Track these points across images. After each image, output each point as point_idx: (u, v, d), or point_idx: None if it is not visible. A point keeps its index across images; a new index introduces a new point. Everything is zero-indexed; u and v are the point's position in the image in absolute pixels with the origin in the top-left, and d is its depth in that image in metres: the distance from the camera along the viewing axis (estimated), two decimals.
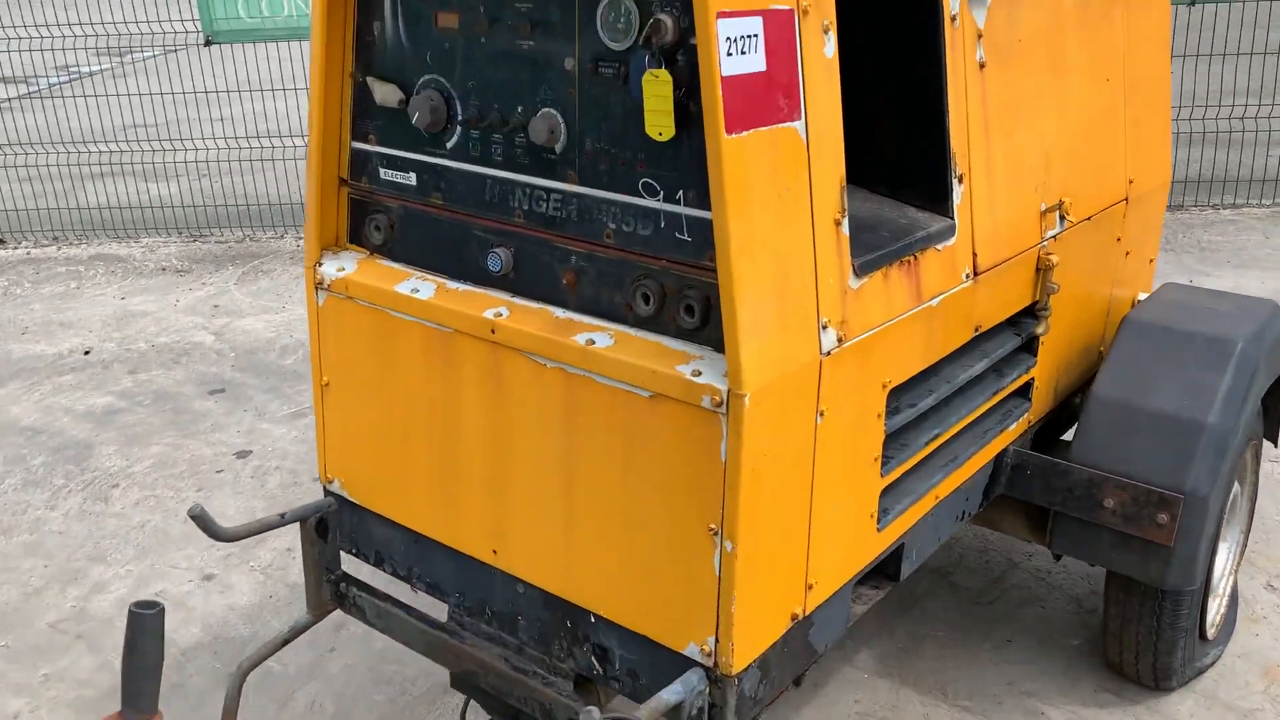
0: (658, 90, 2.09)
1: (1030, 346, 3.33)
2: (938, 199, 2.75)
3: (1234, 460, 3.27)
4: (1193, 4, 7.69)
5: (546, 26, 2.30)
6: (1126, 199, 3.74)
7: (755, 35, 2.04)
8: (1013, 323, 3.26)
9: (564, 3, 2.25)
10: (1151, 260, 4.26)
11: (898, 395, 2.71)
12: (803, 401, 2.27)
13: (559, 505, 2.45)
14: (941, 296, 2.71)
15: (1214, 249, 7.31)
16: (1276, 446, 4.03)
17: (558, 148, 2.33)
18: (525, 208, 2.44)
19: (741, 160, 2.04)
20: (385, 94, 2.54)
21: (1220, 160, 8.14)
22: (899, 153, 2.80)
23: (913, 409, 2.74)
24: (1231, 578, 3.84)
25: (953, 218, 2.73)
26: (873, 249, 2.47)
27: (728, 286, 2.06)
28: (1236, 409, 3.23)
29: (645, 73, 2.09)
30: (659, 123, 2.11)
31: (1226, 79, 7.82)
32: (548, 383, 2.40)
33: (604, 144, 2.27)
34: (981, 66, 2.80)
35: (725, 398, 2.10)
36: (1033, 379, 3.37)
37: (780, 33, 2.10)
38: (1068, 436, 3.71)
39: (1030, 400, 3.39)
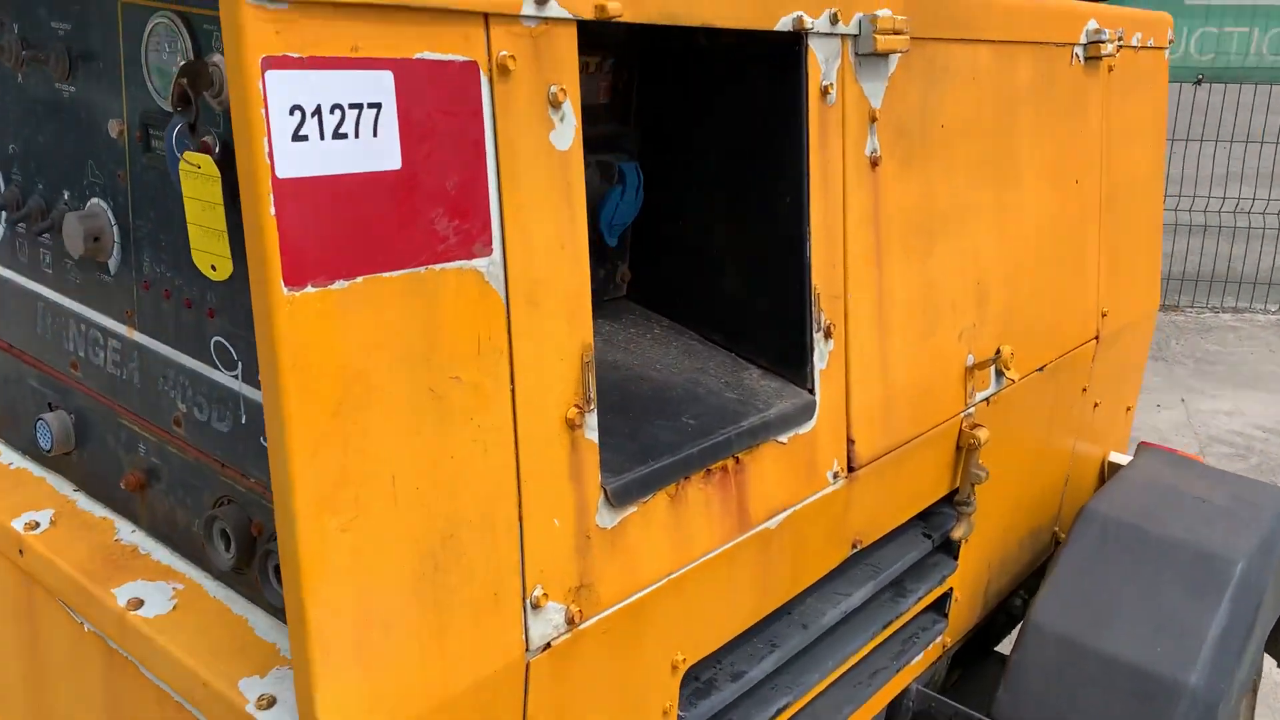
0: (200, 190, 1.14)
1: (948, 548, 2.37)
2: (791, 361, 1.80)
3: None
4: (1199, 83, 6.77)
5: (89, 62, 1.35)
6: (1097, 337, 2.79)
7: (375, 106, 1.09)
8: (923, 517, 2.31)
9: (106, 25, 1.30)
10: (1129, 408, 3.31)
11: (709, 665, 1.74)
12: None
13: None
14: (787, 513, 1.76)
15: (1212, 360, 6.35)
16: None
17: (111, 265, 1.38)
18: (82, 354, 1.49)
19: (326, 336, 1.08)
20: None
21: (1222, 254, 7.20)
22: (741, 287, 1.86)
23: (738, 681, 1.78)
24: None
25: (812, 390, 1.78)
26: (655, 454, 1.51)
27: (291, 575, 1.10)
28: (1231, 663, 2.26)
29: (181, 157, 1.14)
30: (208, 247, 1.16)
31: (1233, 165, 6.91)
32: (86, 654, 1.43)
33: (164, 268, 1.32)
34: (874, 164, 1.85)
35: None
36: (950, 590, 2.41)
37: (443, 103, 1.15)
38: (1006, 645, 2.74)
39: (946, 617, 2.42)
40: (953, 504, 2.33)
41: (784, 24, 1.61)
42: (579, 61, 1.73)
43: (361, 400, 1.12)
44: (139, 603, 1.36)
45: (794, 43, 1.67)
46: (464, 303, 1.21)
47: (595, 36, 1.75)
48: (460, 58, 1.17)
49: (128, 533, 1.49)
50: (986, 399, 2.32)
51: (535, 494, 1.32)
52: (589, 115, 1.81)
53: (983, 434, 2.24)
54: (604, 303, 1.92)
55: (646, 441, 1.54)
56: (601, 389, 1.63)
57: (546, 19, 1.25)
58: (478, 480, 1.25)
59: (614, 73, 1.82)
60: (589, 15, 1.30)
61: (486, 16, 1.19)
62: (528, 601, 1.32)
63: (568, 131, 1.30)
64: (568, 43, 1.28)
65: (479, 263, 1.22)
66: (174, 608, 1.35)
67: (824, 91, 1.71)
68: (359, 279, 1.10)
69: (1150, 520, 2.48)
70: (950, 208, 2.09)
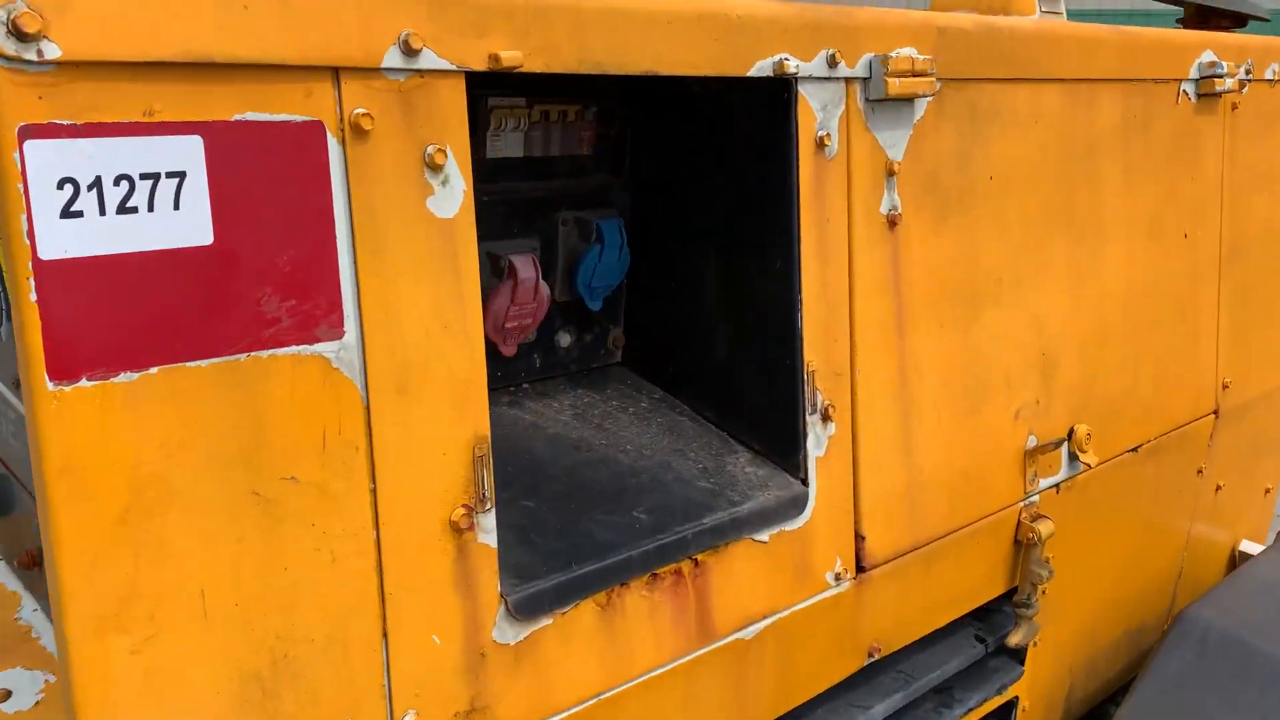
0: None
1: (1012, 651, 2.08)
2: (781, 446, 1.58)
3: None
4: None
5: None
6: (1216, 412, 2.43)
7: (177, 175, 0.96)
8: (978, 615, 2.03)
9: None
10: (1269, 490, 2.89)
11: None
12: None
13: None
14: (768, 621, 1.54)
15: None
16: None
17: None
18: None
19: (107, 434, 0.95)
20: None
21: None
22: (731, 358, 1.65)
23: None
24: None
25: (805, 480, 1.56)
26: (584, 557, 1.33)
27: (68, 702, 0.97)
28: None
29: None
30: None
31: None
32: None
33: None
34: (892, 223, 1.62)
35: None
36: (1015, 699, 2.11)
37: (274, 169, 1.02)
38: None
39: None
40: (1012, 604, 2.04)
41: (761, 68, 1.41)
42: (556, 110, 1.59)
43: (157, 505, 0.99)
44: (6, 694, 1.27)
45: (781, 89, 1.47)
46: (302, 393, 1.06)
47: (574, 81, 1.60)
48: (299, 118, 1.03)
49: (29, 611, 1.41)
50: (1055, 486, 2.02)
51: (406, 607, 1.16)
52: (570, 167, 1.65)
53: (1045, 527, 1.94)
54: (589, 371, 1.76)
55: (578, 540, 1.36)
56: (548, 475, 1.46)
57: (420, 71, 1.10)
58: (322, 593, 1.10)
59: (599, 121, 1.65)
60: (480, 66, 1.14)
61: (336, 71, 1.04)
62: None
63: (452, 196, 1.14)
64: (452, 97, 1.13)
65: (324, 347, 1.08)
66: (37, 703, 1.26)
67: (819, 143, 1.50)
68: (152, 370, 0.97)
69: (1262, 634, 2.11)
70: (1003, 269, 1.82)
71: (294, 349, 1.05)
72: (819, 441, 1.57)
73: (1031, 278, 1.88)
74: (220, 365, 1.01)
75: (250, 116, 1.00)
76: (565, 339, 1.70)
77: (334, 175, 1.06)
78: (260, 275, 1.02)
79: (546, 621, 1.29)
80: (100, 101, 0.92)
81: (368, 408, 1.11)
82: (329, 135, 1.05)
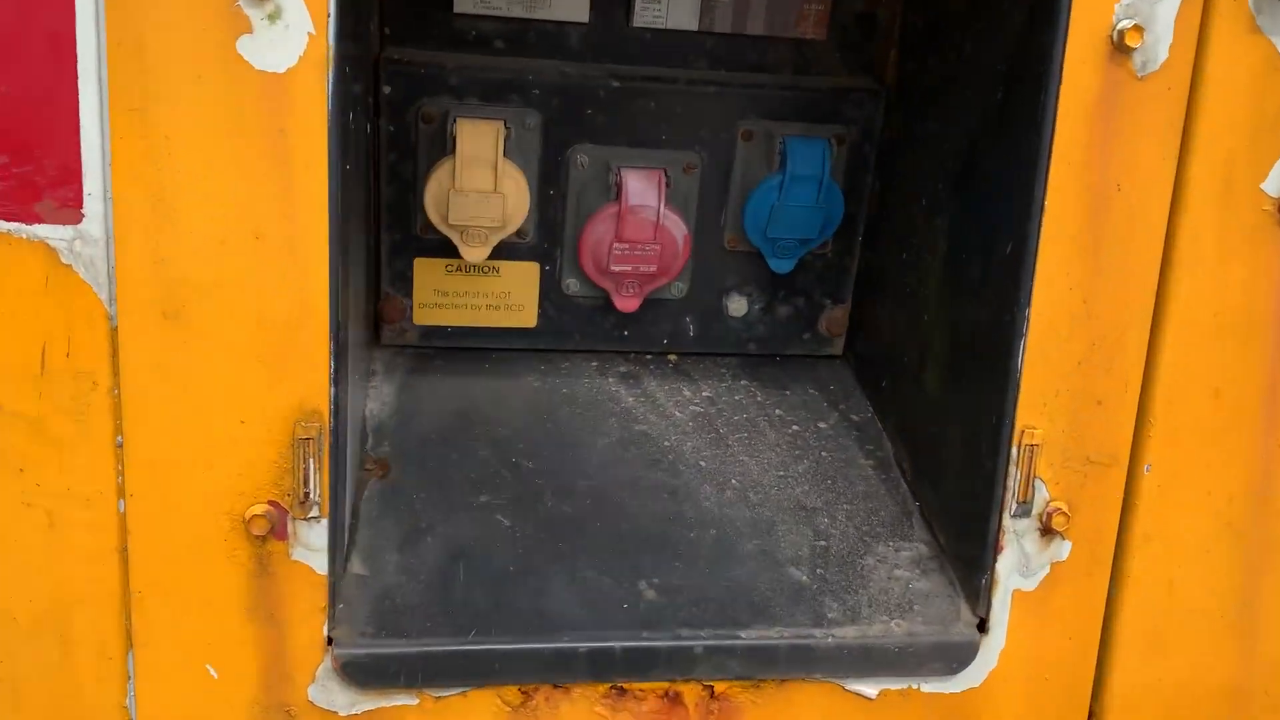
0: None
1: None
2: (963, 551, 0.94)
3: None
4: None
5: None
6: None
7: None
8: None
9: None
10: None
11: None
12: None
13: None
14: None
15: None
16: None
17: None
18: None
19: None
20: None
21: None
22: (938, 388, 1.02)
23: None
24: None
25: (984, 620, 0.92)
26: (520, 624, 0.88)
27: None
28: None
29: None
30: None
31: None
32: None
33: None
34: None
35: None
36: None
37: None
38: None
39: None
40: None
41: None
42: None
43: None
44: None
45: None
46: (10, 289, 0.76)
47: None
48: None
49: None
50: None
51: (162, 616, 0.82)
52: (779, 56, 1.12)
53: None
54: (781, 359, 1.22)
55: (521, 598, 0.90)
56: (564, 488, 1.01)
57: None
58: (31, 563, 0.80)
59: None
60: None
61: None
62: None
63: (285, 39, 0.74)
64: None
65: (49, 231, 0.75)
66: None
67: (1118, 43, 0.81)
68: None
69: None
70: None
71: (1, 225, 0.75)
72: (1025, 565, 0.91)
73: None
74: None
75: None
76: (739, 304, 1.18)
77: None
78: None
79: (407, 701, 0.87)
80: None
81: (114, 331, 0.77)
82: None
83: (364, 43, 0.99)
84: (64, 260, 0.76)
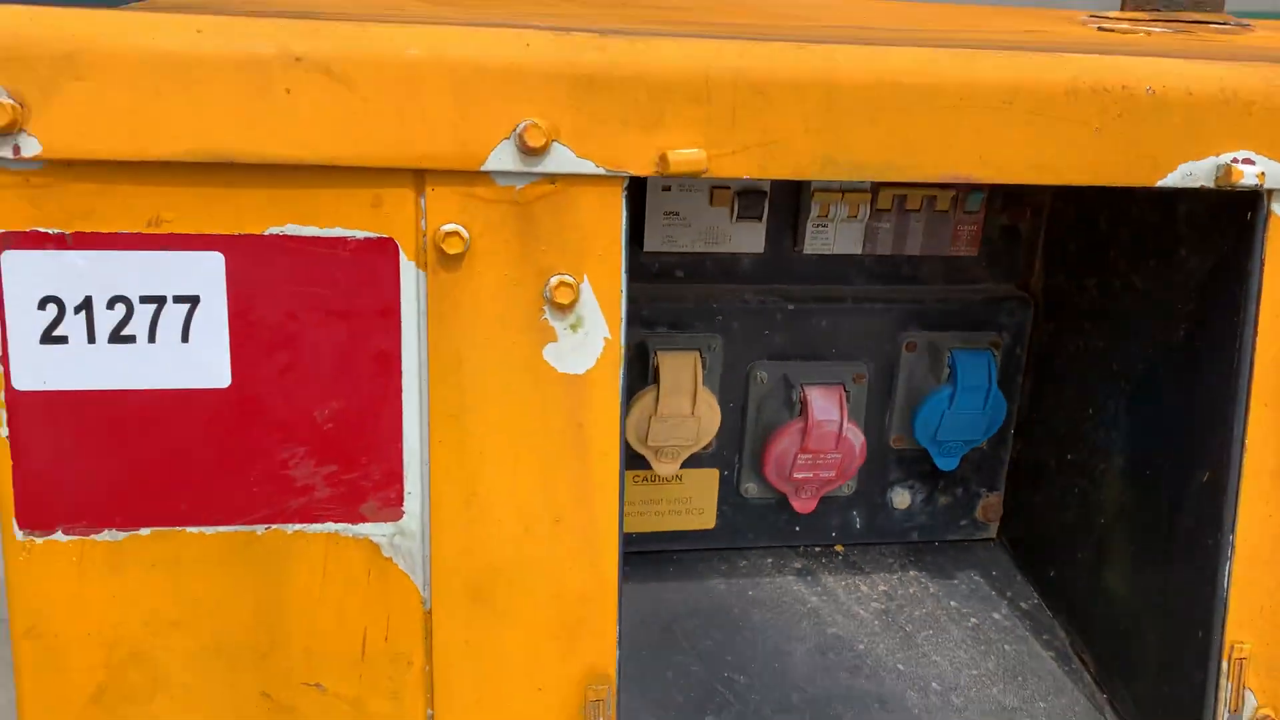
0: None
1: None
2: None
3: None
4: None
5: None
6: None
7: (188, 300, 0.77)
8: None
9: None
10: None
11: None
12: None
13: None
14: None
15: None
16: None
17: None
18: None
19: (84, 599, 0.80)
20: None
21: None
22: (1126, 594, 1.09)
23: None
24: None
25: None
26: None
27: None
28: None
29: None
30: None
31: None
32: None
33: None
34: None
35: None
36: None
37: (321, 298, 0.78)
38: None
39: None
40: None
41: (1188, 174, 0.86)
42: (920, 194, 1.15)
43: (140, 690, 0.81)
44: None
45: (1248, 204, 0.90)
46: (338, 583, 0.82)
47: None
48: (360, 234, 0.78)
49: None
50: None
51: None
52: (934, 273, 1.21)
53: None
54: (942, 545, 1.29)
55: None
56: (776, 700, 1.07)
57: (547, 176, 0.78)
58: None
59: (989, 210, 1.18)
60: (644, 170, 0.79)
61: (421, 174, 0.77)
62: None
63: (585, 345, 0.82)
64: (594, 212, 0.80)
65: (374, 529, 0.82)
66: None
67: None
68: (143, 531, 0.79)
69: None
70: None
71: (330, 526, 0.82)
72: None
73: None
74: (230, 536, 0.80)
75: (290, 230, 0.77)
76: (903, 498, 1.26)
77: (406, 309, 0.79)
78: (290, 431, 0.79)
79: None
80: (95, 207, 0.75)
81: (429, 614, 0.84)
82: (402, 257, 0.78)
83: None
84: (385, 554, 0.83)
